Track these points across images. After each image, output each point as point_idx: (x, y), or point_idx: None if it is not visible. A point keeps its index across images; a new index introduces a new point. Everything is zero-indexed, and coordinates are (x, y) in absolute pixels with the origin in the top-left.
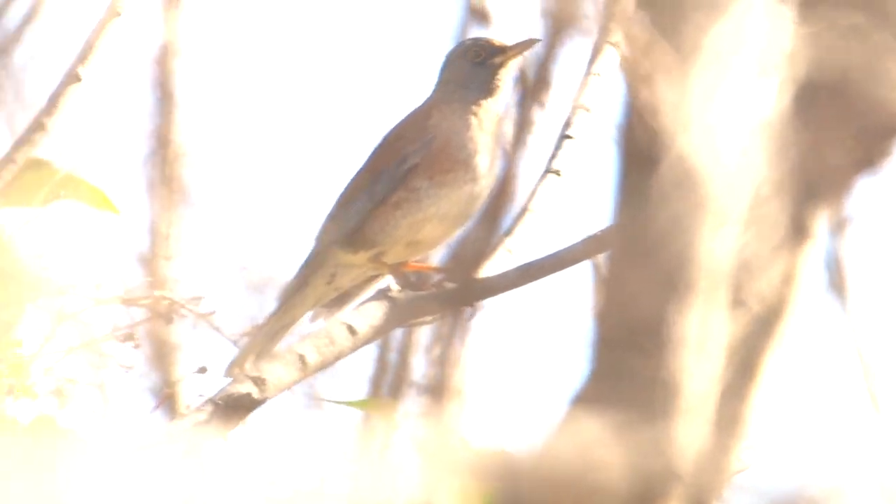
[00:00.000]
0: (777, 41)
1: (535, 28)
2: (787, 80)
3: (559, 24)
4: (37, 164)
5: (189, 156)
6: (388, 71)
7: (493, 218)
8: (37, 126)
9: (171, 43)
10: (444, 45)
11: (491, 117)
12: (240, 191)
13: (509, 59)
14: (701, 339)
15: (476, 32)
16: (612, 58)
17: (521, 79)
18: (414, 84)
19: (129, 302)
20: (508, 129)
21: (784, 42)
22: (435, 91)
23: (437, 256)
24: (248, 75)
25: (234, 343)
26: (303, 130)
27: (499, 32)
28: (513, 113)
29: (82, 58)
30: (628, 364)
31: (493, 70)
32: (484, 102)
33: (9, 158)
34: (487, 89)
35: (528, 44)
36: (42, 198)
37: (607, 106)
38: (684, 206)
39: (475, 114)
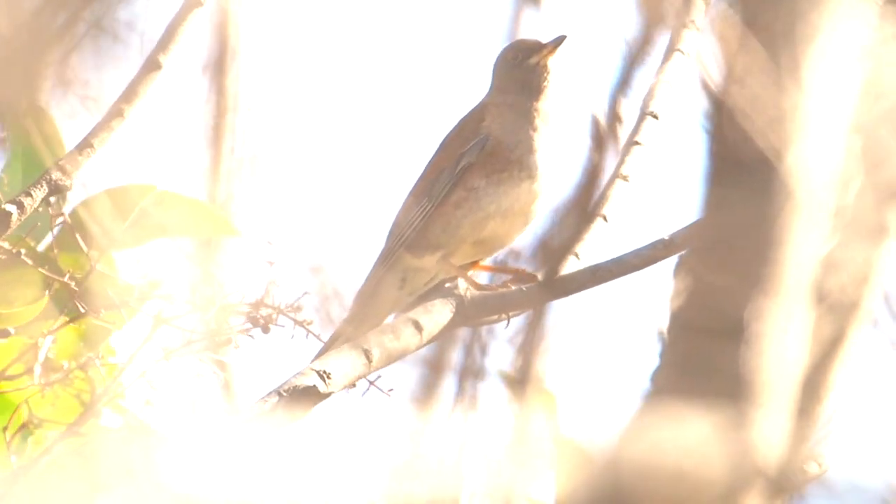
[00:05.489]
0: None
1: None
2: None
3: (647, 21)
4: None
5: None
6: (444, 64)
7: (572, 221)
8: (115, 112)
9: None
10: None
11: (543, 115)
12: (303, 183)
13: (544, 57)
14: (783, 333)
15: (529, 20)
16: (681, 63)
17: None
18: (468, 76)
19: (227, 308)
20: (591, 133)
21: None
22: (488, 93)
23: (504, 256)
24: (307, 69)
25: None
26: (362, 123)
27: (548, 21)
28: (598, 119)
29: (164, 45)
30: (709, 357)
31: (532, 69)
32: (532, 101)
33: (86, 143)
34: (531, 88)
35: (559, 41)
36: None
37: (679, 111)
38: (774, 204)
39: (526, 113)
